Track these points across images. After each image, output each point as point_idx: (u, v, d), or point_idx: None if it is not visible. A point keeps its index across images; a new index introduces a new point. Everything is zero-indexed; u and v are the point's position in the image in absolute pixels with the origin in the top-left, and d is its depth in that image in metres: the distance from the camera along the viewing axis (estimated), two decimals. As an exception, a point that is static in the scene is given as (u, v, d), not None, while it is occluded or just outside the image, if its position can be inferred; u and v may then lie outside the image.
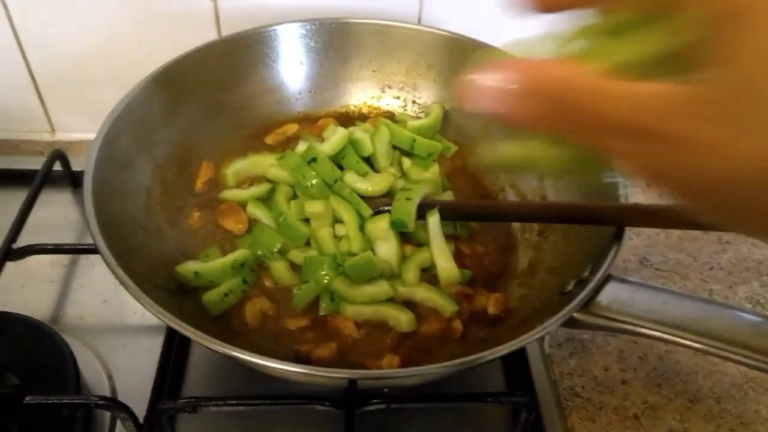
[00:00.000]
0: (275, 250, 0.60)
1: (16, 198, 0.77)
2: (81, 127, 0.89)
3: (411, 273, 0.58)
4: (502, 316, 0.58)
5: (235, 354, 0.43)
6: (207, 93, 0.69)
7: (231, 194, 0.64)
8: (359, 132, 0.66)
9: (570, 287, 0.54)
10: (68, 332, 0.64)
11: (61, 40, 0.79)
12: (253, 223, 0.63)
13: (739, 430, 0.63)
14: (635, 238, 0.82)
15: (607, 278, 0.49)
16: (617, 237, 0.52)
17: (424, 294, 0.57)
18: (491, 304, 0.58)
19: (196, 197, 0.66)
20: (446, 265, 0.58)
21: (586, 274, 0.52)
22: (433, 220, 0.60)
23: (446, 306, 0.57)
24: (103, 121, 0.84)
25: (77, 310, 0.69)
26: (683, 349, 0.69)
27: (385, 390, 0.53)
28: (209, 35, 0.78)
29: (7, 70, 0.81)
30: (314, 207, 0.60)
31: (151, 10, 0.77)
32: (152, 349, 0.63)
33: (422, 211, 0.60)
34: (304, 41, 0.73)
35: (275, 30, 0.71)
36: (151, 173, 0.63)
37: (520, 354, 0.63)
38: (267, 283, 0.59)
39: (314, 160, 0.63)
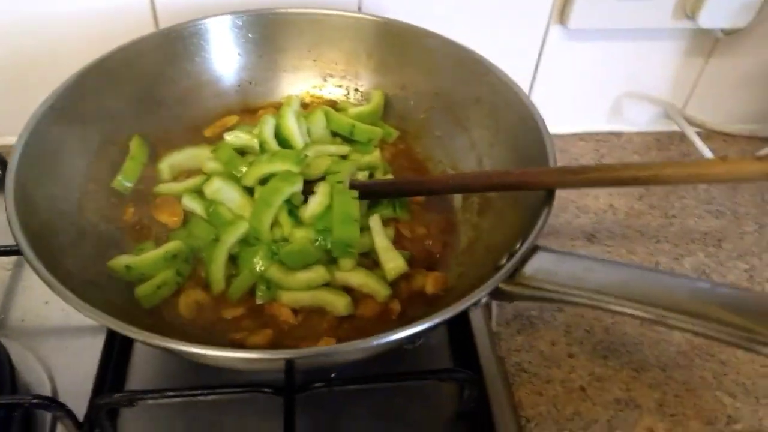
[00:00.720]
0: (209, 241, 0.59)
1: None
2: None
3: (347, 260, 0.58)
4: (440, 294, 0.58)
5: (165, 344, 0.43)
6: (143, 86, 0.68)
7: (165, 188, 0.64)
8: (289, 117, 0.66)
9: (503, 261, 0.54)
10: (9, 336, 0.64)
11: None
12: (188, 216, 0.62)
13: (684, 396, 0.64)
14: (583, 216, 0.83)
15: (534, 249, 0.49)
16: (546, 205, 0.52)
17: (359, 279, 0.57)
18: (429, 283, 0.59)
19: (132, 192, 0.65)
20: (392, 255, 0.59)
21: (517, 246, 0.53)
22: (374, 217, 0.60)
23: (381, 291, 0.57)
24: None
25: (18, 313, 0.68)
26: (629, 321, 0.70)
27: (332, 375, 0.53)
28: (147, 30, 0.77)
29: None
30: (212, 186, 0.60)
31: (89, 6, 0.76)
32: (95, 348, 0.63)
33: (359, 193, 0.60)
34: (241, 32, 0.73)
35: (211, 22, 0.71)
36: (84, 170, 0.63)
37: (465, 331, 0.63)
38: (203, 274, 0.59)
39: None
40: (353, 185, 0.60)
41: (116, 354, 0.62)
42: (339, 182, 0.59)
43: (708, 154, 0.86)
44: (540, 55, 0.87)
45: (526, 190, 0.55)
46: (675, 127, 0.96)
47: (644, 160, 0.94)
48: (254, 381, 0.57)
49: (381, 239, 0.59)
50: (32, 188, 0.54)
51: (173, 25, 0.70)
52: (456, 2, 0.79)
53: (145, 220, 0.63)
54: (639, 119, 0.97)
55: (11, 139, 0.85)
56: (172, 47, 0.70)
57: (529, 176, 0.53)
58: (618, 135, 0.97)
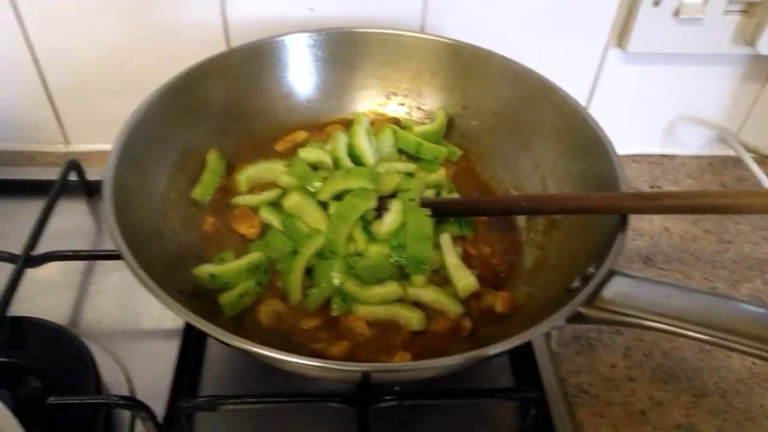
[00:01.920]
0: (286, 253, 0.61)
1: (31, 207, 0.79)
2: (93, 138, 0.91)
3: (419, 276, 0.60)
4: (509, 313, 0.60)
5: (258, 350, 0.45)
6: (218, 102, 0.71)
7: (243, 200, 0.66)
8: (361, 135, 0.68)
9: (575, 284, 0.55)
10: (87, 336, 0.66)
11: (74, 51, 0.81)
12: (265, 227, 0.65)
13: (745, 425, 0.64)
14: (638, 239, 0.84)
15: (611, 273, 0.50)
16: (620, 230, 0.54)
17: (431, 296, 0.59)
18: (499, 302, 0.60)
19: (210, 203, 0.68)
20: (462, 274, 0.60)
21: (591, 270, 0.54)
22: (444, 235, 0.62)
23: (453, 308, 0.59)
24: (116, 131, 0.88)
25: (95, 315, 0.70)
26: (688, 346, 0.71)
27: (396, 388, 0.55)
28: (219, 47, 0.80)
29: (23, 81, 0.83)
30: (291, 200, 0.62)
31: (161, 23, 0.79)
32: (168, 352, 0.65)
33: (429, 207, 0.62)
34: (311, 51, 0.75)
35: (284, 40, 0.73)
36: (166, 180, 0.65)
37: (528, 352, 0.65)
38: (280, 284, 0.61)
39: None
40: (425, 203, 0.62)
41: (191, 359, 0.64)
42: (411, 200, 0.61)
43: (764, 178, 0.86)
44: (597, 77, 0.88)
45: (601, 214, 0.56)
46: (728, 152, 0.96)
47: (698, 183, 0.94)
48: (325, 391, 0.59)
49: (451, 257, 0.61)
50: (124, 197, 0.57)
51: (250, 42, 0.72)
52: (516, 23, 0.81)
53: (223, 231, 0.65)
54: (693, 143, 0.97)
55: (86, 146, 0.91)
56: (249, 64, 0.72)
57: (605, 201, 0.54)
58: (671, 158, 0.98)
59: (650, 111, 0.93)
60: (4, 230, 0.78)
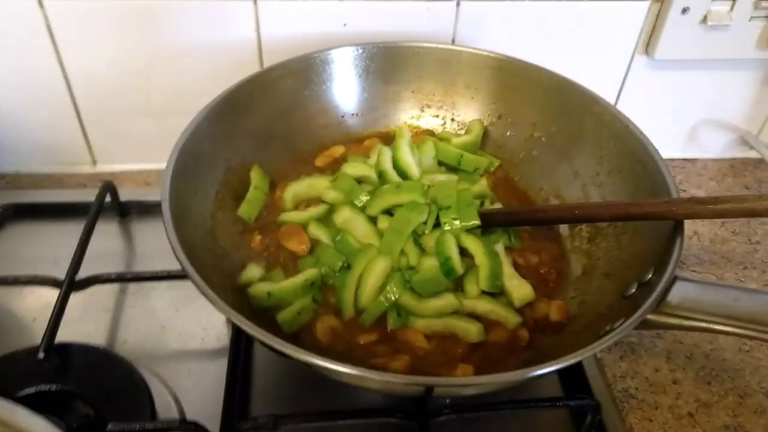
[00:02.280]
0: (338, 268, 0.62)
1: (62, 230, 0.79)
2: (121, 158, 0.91)
3: (473, 286, 0.60)
4: (564, 322, 0.60)
5: (328, 365, 0.45)
6: (260, 119, 0.71)
7: (291, 216, 0.66)
8: (405, 149, 0.68)
9: (632, 290, 0.56)
10: (132, 359, 0.66)
11: (104, 71, 0.81)
12: (314, 243, 0.65)
13: (792, 423, 0.65)
14: (671, 242, 0.85)
15: (673, 278, 0.51)
16: (678, 234, 0.54)
17: (487, 306, 0.59)
18: (553, 311, 0.60)
19: (255, 221, 0.68)
20: (518, 284, 0.61)
21: (649, 276, 0.54)
22: (499, 245, 0.63)
23: (510, 318, 0.59)
24: (143, 151, 0.88)
25: (138, 338, 0.70)
26: (728, 346, 0.72)
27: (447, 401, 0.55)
28: (252, 65, 0.81)
29: (53, 102, 0.83)
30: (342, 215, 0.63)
31: (192, 41, 0.79)
32: (214, 371, 0.65)
33: (482, 218, 0.62)
34: (348, 65, 0.76)
35: (320, 56, 0.74)
36: (213, 199, 0.65)
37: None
38: (333, 300, 0.61)
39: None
40: (480, 213, 0.62)
41: (240, 378, 0.64)
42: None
43: (788, 180, 0.88)
44: (623, 83, 0.89)
45: (656, 220, 0.56)
46: (749, 154, 0.98)
47: (720, 186, 0.95)
48: (383, 406, 0.59)
49: (506, 267, 0.61)
50: (177, 217, 0.56)
51: (286, 60, 0.73)
52: (543, 32, 0.82)
53: (272, 248, 0.65)
54: (714, 146, 0.98)
55: (113, 167, 0.90)
56: (287, 82, 0.73)
57: (662, 207, 0.55)
58: (693, 162, 0.99)
59: (674, 116, 0.94)
60: (39, 254, 0.78)
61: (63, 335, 0.65)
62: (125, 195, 0.83)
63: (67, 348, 0.64)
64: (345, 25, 0.79)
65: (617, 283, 0.59)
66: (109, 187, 0.80)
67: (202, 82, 0.80)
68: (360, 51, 0.75)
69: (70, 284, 0.67)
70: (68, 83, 0.82)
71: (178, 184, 0.58)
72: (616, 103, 0.91)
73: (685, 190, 0.94)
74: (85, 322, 0.71)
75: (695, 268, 0.82)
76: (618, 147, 0.66)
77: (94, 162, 0.92)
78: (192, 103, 0.65)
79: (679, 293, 0.49)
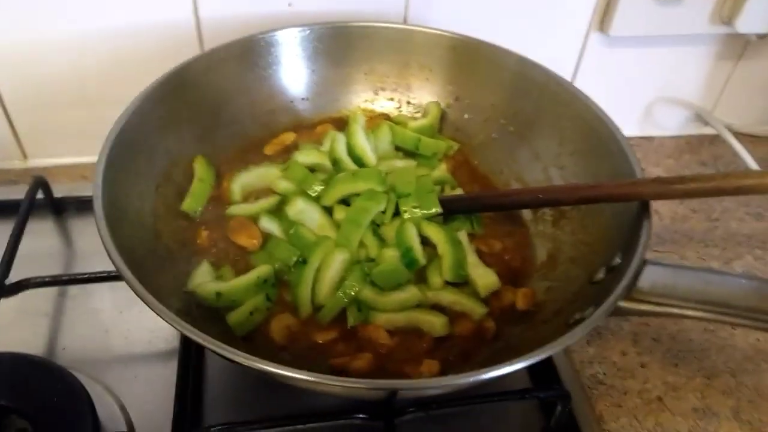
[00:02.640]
0: (292, 263, 0.58)
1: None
2: (54, 151, 0.84)
3: (436, 276, 0.57)
4: (532, 310, 0.58)
5: (283, 372, 0.41)
6: (202, 106, 0.66)
7: (239, 209, 0.62)
8: (359, 134, 0.65)
9: (600, 275, 0.54)
10: (72, 367, 0.61)
11: (29, 60, 0.75)
12: (266, 237, 0.61)
13: (758, 402, 0.65)
14: (632, 222, 0.84)
15: (643, 263, 0.49)
16: (645, 216, 0.52)
17: (451, 297, 0.56)
18: (519, 299, 0.58)
19: (201, 215, 0.63)
20: (482, 272, 0.58)
21: (618, 260, 0.53)
22: (462, 233, 0.60)
23: (476, 309, 0.56)
24: (77, 143, 0.82)
25: (79, 344, 0.65)
26: (693, 327, 0.71)
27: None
28: (191, 48, 0.76)
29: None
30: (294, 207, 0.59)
31: (126, 24, 0.74)
32: (164, 377, 0.61)
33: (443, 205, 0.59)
34: (294, 48, 0.72)
35: (264, 38, 0.69)
36: (153, 193, 0.60)
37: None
38: (288, 297, 0.57)
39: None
40: (441, 200, 0.59)
41: (191, 383, 0.60)
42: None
43: (743, 153, 0.87)
44: (579, 61, 0.87)
45: (622, 201, 0.54)
46: (705, 131, 0.98)
47: (678, 163, 0.95)
48: (345, 407, 0.56)
49: (470, 255, 0.58)
50: (113, 214, 0.52)
51: (228, 42, 0.68)
52: (496, 10, 0.79)
53: (220, 244, 0.61)
54: (670, 123, 0.98)
55: (47, 161, 0.84)
56: (229, 66, 0.68)
57: (627, 188, 0.53)
58: (650, 139, 0.98)
59: (630, 94, 0.93)
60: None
61: None
62: (60, 191, 0.78)
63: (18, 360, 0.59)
64: (290, 5, 0.74)
65: (584, 268, 0.57)
66: (40, 182, 0.74)
67: (139, 66, 0.75)
68: (307, 32, 0.71)
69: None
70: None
71: (112, 178, 0.54)
72: (572, 81, 0.89)
73: (643, 169, 0.93)
74: (19, 329, 0.66)
75: (657, 248, 0.81)
76: (578, 127, 0.64)
77: (25, 156, 0.85)
78: (130, 90, 0.60)
79: (649, 278, 0.48)
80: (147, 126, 0.60)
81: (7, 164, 0.85)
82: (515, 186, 0.70)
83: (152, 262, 0.55)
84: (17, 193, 0.74)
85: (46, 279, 0.63)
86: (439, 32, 0.72)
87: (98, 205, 0.49)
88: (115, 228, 0.50)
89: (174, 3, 0.72)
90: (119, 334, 0.66)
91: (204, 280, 0.55)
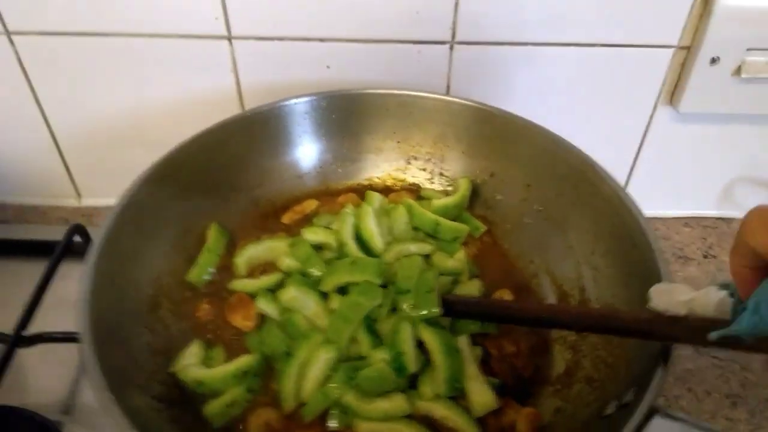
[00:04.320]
0: (282, 352, 0.55)
1: (34, 270, 0.76)
2: (106, 191, 0.87)
3: (428, 387, 0.53)
4: (533, 434, 0.52)
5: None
6: (221, 171, 0.66)
7: (240, 284, 0.60)
8: (369, 218, 0.62)
9: (610, 410, 0.47)
10: (81, 422, 0.61)
11: (86, 105, 0.77)
12: (262, 319, 0.58)
13: None
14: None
15: (652, 411, 0.42)
16: (663, 358, 0.45)
17: (443, 412, 0.51)
18: (522, 420, 0.52)
19: (207, 285, 0.62)
20: (480, 388, 0.53)
21: (630, 398, 0.46)
22: (462, 339, 0.55)
23: (467, 429, 0.51)
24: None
25: (91, 399, 0.65)
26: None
27: None
28: (232, 108, 0.76)
29: (31, 135, 0.80)
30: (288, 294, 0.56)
31: (175, 82, 0.75)
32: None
33: (446, 306, 0.55)
34: (323, 113, 0.69)
35: (295, 103, 0.68)
36: (160, 263, 0.60)
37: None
38: (275, 386, 0.55)
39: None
40: (445, 301, 0.55)
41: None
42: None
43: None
44: (644, 136, 0.80)
45: (637, 338, 0.48)
46: (794, 216, 0.86)
47: (758, 252, 0.84)
48: None
49: (469, 366, 0.53)
50: (107, 288, 0.52)
51: (257, 107, 0.67)
52: (550, 79, 0.74)
53: (218, 320, 0.59)
54: (752, 205, 0.87)
55: (99, 201, 0.87)
56: (257, 130, 0.67)
57: (645, 324, 0.45)
58: (728, 221, 0.88)
59: (705, 172, 0.84)
60: (2, 296, 0.75)
61: (13, 394, 0.62)
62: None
63: (7, 415, 0.60)
64: (328, 67, 0.72)
65: (598, 394, 0.51)
66: (78, 229, 0.76)
67: (194, 110, 0.76)
68: (338, 98, 0.68)
69: (15, 342, 0.64)
70: (45, 116, 0.78)
71: (112, 249, 0.53)
72: (636, 156, 0.81)
73: (715, 256, 0.84)
74: (37, 380, 0.67)
75: (717, 354, 0.71)
76: (615, 224, 0.58)
77: (79, 195, 0.88)
78: (186, 132, 0.62)
79: (657, 431, 0.41)
80: (161, 193, 0.60)
81: (61, 202, 0.88)
82: (544, 279, 0.64)
83: (142, 339, 0.55)
84: (62, 234, 0.76)
85: (58, 335, 0.64)
86: (477, 105, 0.68)
87: (88, 275, 0.49)
88: (103, 303, 0.50)
89: (216, 65, 0.73)
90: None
91: (191, 362, 0.54)
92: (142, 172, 0.59)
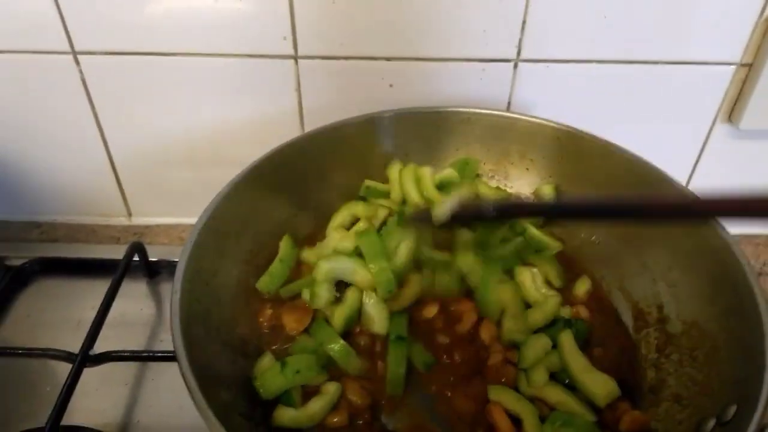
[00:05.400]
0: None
1: (91, 289, 0.76)
2: (158, 211, 0.87)
3: (540, 375, 0.54)
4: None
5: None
6: (292, 188, 0.66)
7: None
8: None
9: (710, 426, 0.47)
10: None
11: (142, 125, 0.78)
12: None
13: None
14: None
15: (762, 428, 0.41)
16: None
17: (559, 397, 0.53)
18: (627, 420, 0.52)
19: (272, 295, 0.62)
20: (600, 379, 0.53)
21: (732, 414, 0.45)
22: (566, 336, 0.56)
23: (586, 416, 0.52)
24: (179, 204, 0.84)
25: (151, 418, 0.65)
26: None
27: None
28: (293, 129, 0.76)
29: (89, 155, 0.81)
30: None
31: (233, 106, 0.76)
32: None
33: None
34: (389, 131, 0.70)
35: (360, 122, 0.68)
36: (236, 278, 0.60)
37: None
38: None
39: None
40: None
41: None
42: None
43: None
44: (701, 151, 0.80)
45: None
46: None
47: (816, 270, 0.84)
48: None
49: (577, 358, 0.54)
50: (193, 309, 0.51)
51: (323, 126, 0.67)
52: (610, 95, 0.74)
53: (278, 326, 0.60)
54: (806, 222, 0.87)
55: (149, 220, 0.87)
56: (323, 149, 0.67)
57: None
58: (782, 239, 0.88)
59: (760, 189, 0.83)
60: (62, 315, 0.75)
61: (75, 412, 0.62)
62: (155, 253, 0.80)
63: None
64: (391, 86, 0.73)
65: (690, 412, 0.50)
66: (137, 247, 0.76)
67: (245, 131, 0.76)
68: (402, 116, 0.68)
69: (83, 361, 0.63)
70: (103, 135, 0.79)
71: (196, 268, 0.53)
72: (691, 173, 0.81)
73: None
74: (99, 398, 0.67)
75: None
76: (695, 240, 0.57)
77: (130, 214, 0.88)
78: (237, 153, 0.62)
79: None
80: (237, 210, 0.60)
81: (113, 221, 0.88)
82: (617, 295, 0.63)
83: (225, 356, 0.54)
84: (117, 252, 0.76)
85: (126, 354, 0.64)
86: (542, 121, 0.68)
87: (175, 301, 0.49)
88: (190, 325, 0.49)
89: (280, 86, 0.73)
90: (192, 410, 0.65)
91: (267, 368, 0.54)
92: (221, 188, 0.59)
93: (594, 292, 0.64)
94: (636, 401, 0.55)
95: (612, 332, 0.61)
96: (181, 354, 0.45)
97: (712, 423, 0.47)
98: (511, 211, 0.60)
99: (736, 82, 0.72)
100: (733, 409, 0.45)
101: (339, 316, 0.58)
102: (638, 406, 0.54)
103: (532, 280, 0.62)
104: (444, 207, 0.57)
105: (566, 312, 0.61)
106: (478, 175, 0.72)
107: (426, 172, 0.70)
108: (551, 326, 0.59)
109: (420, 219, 0.61)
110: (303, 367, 0.53)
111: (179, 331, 0.47)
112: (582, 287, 0.64)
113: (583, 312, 0.61)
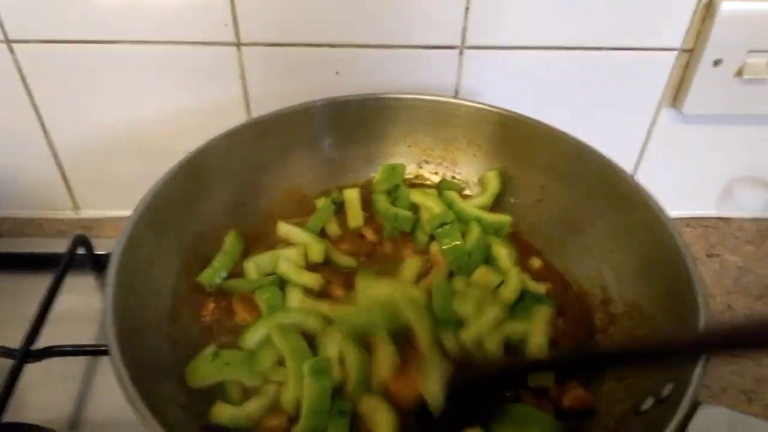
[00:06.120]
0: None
1: (37, 283, 0.74)
2: (106, 203, 0.86)
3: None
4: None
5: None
6: (236, 178, 0.65)
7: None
8: None
9: (647, 406, 0.47)
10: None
11: (85, 117, 0.76)
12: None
13: None
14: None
15: (695, 404, 0.42)
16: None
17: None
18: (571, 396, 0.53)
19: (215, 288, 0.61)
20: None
21: (667, 392, 0.46)
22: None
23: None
24: (128, 195, 0.82)
25: (100, 414, 0.64)
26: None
27: None
28: (238, 116, 0.75)
29: (29, 148, 0.78)
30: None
31: (178, 95, 0.74)
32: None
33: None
34: (333, 119, 0.69)
35: (304, 109, 0.67)
36: (177, 270, 0.59)
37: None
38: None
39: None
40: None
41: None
42: None
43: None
44: (648, 137, 0.81)
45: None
46: (792, 214, 0.88)
47: (759, 250, 0.86)
48: None
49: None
50: (129, 300, 0.50)
51: (268, 113, 0.66)
52: (556, 82, 0.74)
53: (224, 320, 0.59)
54: (752, 205, 0.89)
55: (97, 213, 0.85)
56: (268, 136, 0.66)
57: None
58: (728, 220, 0.89)
59: (705, 172, 0.85)
60: (8, 311, 0.73)
61: (21, 409, 0.61)
62: (103, 246, 0.78)
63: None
64: (338, 73, 0.72)
65: (630, 392, 0.51)
66: (81, 240, 0.74)
67: (194, 120, 0.75)
68: (348, 103, 0.68)
69: (24, 357, 0.62)
70: (44, 128, 0.77)
71: (132, 258, 0.52)
72: (639, 158, 0.83)
73: (718, 255, 0.85)
74: (44, 394, 0.65)
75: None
76: (635, 224, 0.58)
77: (77, 207, 0.86)
78: (184, 143, 0.60)
79: (702, 422, 0.41)
80: (177, 200, 0.58)
81: (60, 214, 0.86)
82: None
83: (166, 348, 0.54)
84: (63, 246, 0.74)
85: (68, 348, 0.63)
86: (486, 107, 0.68)
87: (108, 293, 0.48)
88: (127, 316, 0.48)
89: (224, 73, 0.72)
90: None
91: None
92: (158, 179, 0.58)
93: (546, 269, 0.65)
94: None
95: (570, 304, 0.62)
96: (113, 345, 0.44)
97: (650, 401, 0.47)
98: (517, 369, 0.53)
99: (678, 67, 0.73)
100: (669, 387, 0.46)
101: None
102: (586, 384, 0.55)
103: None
104: (434, 393, 0.48)
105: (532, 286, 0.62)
106: (404, 181, 0.72)
107: (353, 194, 0.68)
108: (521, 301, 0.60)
109: (416, 420, 0.50)
110: (235, 360, 0.52)
111: (111, 321, 0.46)
112: (535, 264, 0.66)
113: (544, 286, 0.62)
